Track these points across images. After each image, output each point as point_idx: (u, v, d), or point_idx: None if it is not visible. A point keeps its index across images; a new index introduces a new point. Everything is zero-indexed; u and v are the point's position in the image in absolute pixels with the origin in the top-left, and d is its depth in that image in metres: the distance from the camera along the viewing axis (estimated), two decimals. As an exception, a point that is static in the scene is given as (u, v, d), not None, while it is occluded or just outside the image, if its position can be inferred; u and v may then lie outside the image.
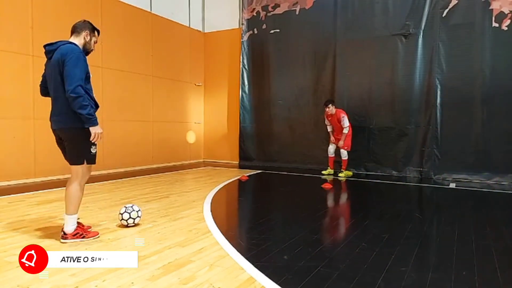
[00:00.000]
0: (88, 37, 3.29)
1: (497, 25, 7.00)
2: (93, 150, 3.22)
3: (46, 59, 3.26)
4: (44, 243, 3.08)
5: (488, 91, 7.08)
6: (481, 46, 7.12)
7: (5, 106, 5.99)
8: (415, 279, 2.55)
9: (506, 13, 6.93)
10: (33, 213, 4.13)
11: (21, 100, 6.18)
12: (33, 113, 6.30)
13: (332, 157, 8.04)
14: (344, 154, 7.80)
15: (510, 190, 6.30)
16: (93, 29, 3.33)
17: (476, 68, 7.18)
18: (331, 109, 7.72)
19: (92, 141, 3.15)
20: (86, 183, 3.34)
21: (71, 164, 3.21)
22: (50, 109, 3.24)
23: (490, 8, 7.04)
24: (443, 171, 7.50)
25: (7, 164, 6.03)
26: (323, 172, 8.05)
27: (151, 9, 8.73)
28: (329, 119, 7.92)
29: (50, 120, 3.25)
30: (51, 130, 3.28)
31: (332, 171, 8.05)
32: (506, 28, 6.93)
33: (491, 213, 4.80)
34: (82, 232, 3.23)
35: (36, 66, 6.24)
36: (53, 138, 3.32)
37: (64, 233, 3.17)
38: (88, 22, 3.33)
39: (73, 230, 3.18)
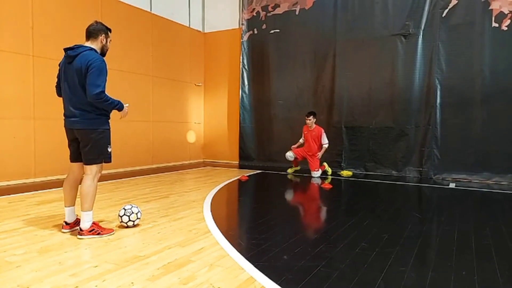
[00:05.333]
0: (105, 40, 3.38)
1: (497, 25, 7.00)
2: (109, 149, 3.40)
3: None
4: (44, 243, 3.09)
5: (488, 91, 7.08)
6: (481, 46, 7.13)
7: (5, 106, 5.98)
8: (415, 279, 2.55)
9: (506, 13, 6.93)
10: (33, 213, 4.13)
11: (21, 100, 6.17)
12: (33, 113, 6.29)
13: (293, 159, 8.03)
14: (317, 174, 7.72)
15: (510, 190, 6.30)
16: (106, 30, 3.40)
17: (475, 68, 7.18)
18: (312, 121, 7.66)
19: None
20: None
21: (88, 164, 3.32)
22: (63, 108, 3.37)
23: (490, 8, 7.05)
24: (443, 171, 7.51)
25: (7, 164, 6.03)
26: (288, 170, 8.18)
27: (151, 9, 8.74)
28: (305, 132, 7.83)
29: (65, 119, 3.35)
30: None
31: (296, 168, 8.23)
32: (506, 28, 6.94)
33: (491, 213, 4.80)
34: (97, 228, 3.32)
35: (36, 66, 6.23)
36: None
37: (81, 229, 3.27)
38: (101, 23, 3.39)
39: (89, 226, 3.27)
